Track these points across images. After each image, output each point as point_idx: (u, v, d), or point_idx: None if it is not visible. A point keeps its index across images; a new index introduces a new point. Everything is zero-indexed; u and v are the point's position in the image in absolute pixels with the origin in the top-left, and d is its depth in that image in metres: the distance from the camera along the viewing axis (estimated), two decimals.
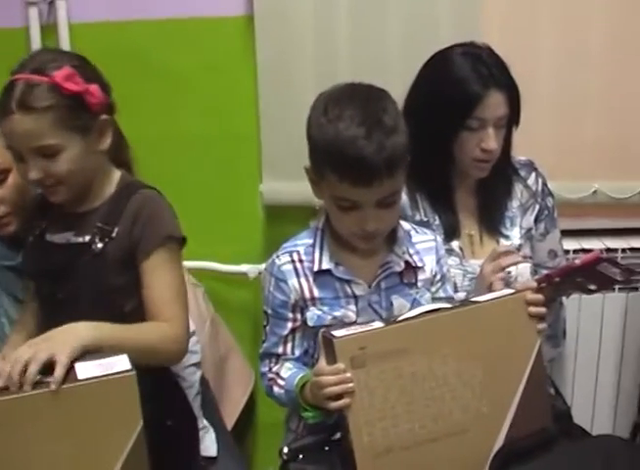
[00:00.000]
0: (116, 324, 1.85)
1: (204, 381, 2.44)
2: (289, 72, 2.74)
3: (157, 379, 1.78)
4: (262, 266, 2.79)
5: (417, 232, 2.13)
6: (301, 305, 2.03)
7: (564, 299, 2.41)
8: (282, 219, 2.90)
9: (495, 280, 2.10)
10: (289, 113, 2.72)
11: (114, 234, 1.97)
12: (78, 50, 2.67)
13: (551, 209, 2.45)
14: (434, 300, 2.07)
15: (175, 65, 2.82)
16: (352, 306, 2.01)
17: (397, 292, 2.04)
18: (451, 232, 2.32)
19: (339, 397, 1.70)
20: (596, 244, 2.91)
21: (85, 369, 1.64)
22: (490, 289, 2.07)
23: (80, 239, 1.99)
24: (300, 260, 2.03)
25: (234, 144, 2.89)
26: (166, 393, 2.08)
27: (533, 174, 2.43)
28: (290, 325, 2.05)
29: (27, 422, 1.58)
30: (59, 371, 1.62)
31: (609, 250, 2.88)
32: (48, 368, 1.63)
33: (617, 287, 2.85)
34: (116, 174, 2.07)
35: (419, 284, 2.07)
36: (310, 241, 2.06)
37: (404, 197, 2.18)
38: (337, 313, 2.00)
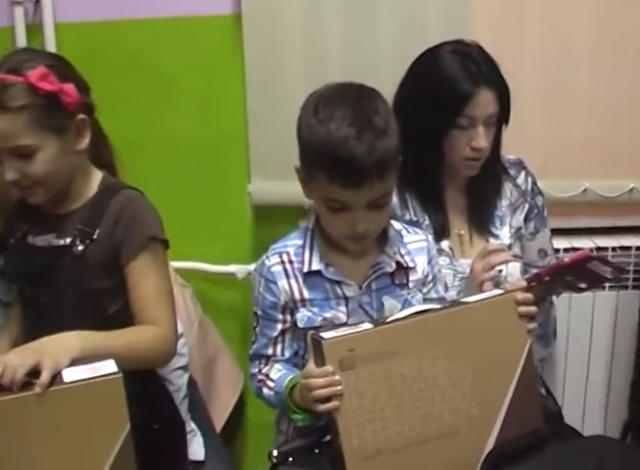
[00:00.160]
0: (105, 332, 1.84)
1: (192, 383, 2.43)
2: (277, 71, 2.73)
3: (142, 382, 1.76)
4: (251, 267, 2.82)
5: (408, 232, 2.12)
6: (291, 307, 2.01)
7: (554, 298, 2.41)
8: (271, 219, 2.89)
9: (486, 278, 2.09)
10: (277, 112, 2.71)
11: (95, 236, 1.96)
12: (64, 50, 2.68)
13: (541, 207, 2.44)
14: (426, 300, 2.06)
15: (162, 64, 2.81)
16: (343, 308, 2.00)
17: (388, 293, 2.03)
18: (441, 232, 2.31)
19: (327, 399, 1.68)
20: (586, 242, 2.90)
21: (72, 373, 1.64)
22: (481, 287, 2.06)
23: (61, 241, 1.98)
24: (290, 261, 2.02)
25: (222, 144, 2.87)
26: (152, 396, 2.06)
27: (523, 173, 2.42)
28: (279, 326, 2.03)
29: (14, 425, 1.57)
30: (45, 374, 1.60)
31: (599, 248, 2.88)
32: (35, 375, 1.62)
33: (607, 285, 2.84)
34: (98, 175, 2.06)
35: (410, 285, 2.06)
36: (300, 242, 2.04)
37: (394, 197, 2.17)
38: (327, 315, 1.99)
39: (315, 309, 1.99)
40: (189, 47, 2.80)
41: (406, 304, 2.02)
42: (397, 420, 1.72)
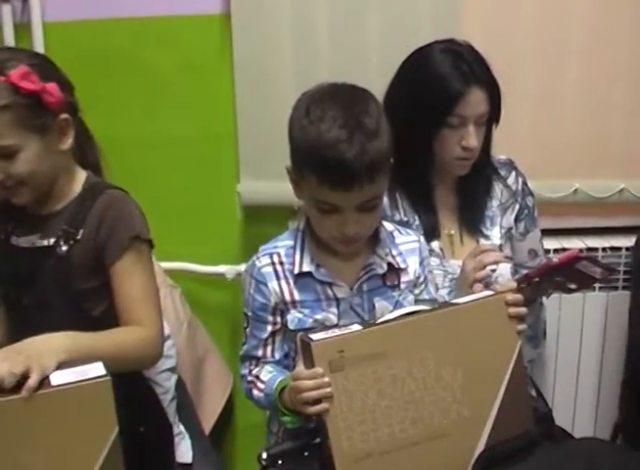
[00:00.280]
0: (91, 333, 1.83)
1: (180, 384, 2.42)
2: (266, 71, 2.72)
3: (127, 384, 1.74)
4: (240, 267, 2.82)
5: (400, 233, 2.10)
6: (282, 308, 2.00)
7: (544, 299, 2.41)
8: (260, 220, 2.88)
9: (478, 278, 2.09)
10: (266, 112, 2.70)
11: (79, 236, 1.95)
12: (52, 49, 2.67)
13: (531, 208, 2.44)
14: (418, 302, 2.05)
15: (151, 63, 2.79)
16: (334, 309, 1.99)
17: (380, 294, 2.02)
18: (431, 232, 2.30)
19: (317, 401, 1.67)
20: (577, 243, 2.91)
21: (59, 376, 1.62)
22: (472, 287, 2.06)
23: (45, 242, 1.97)
24: (281, 263, 2.00)
25: (211, 143, 2.86)
26: (138, 398, 2.05)
27: (513, 173, 2.42)
28: (270, 328, 2.02)
29: (0, 429, 1.55)
30: (33, 378, 1.59)
31: (589, 249, 2.89)
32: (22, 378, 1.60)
33: (597, 286, 2.85)
34: (82, 175, 2.04)
35: (402, 286, 2.04)
36: (291, 243, 2.02)
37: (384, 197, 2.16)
38: (318, 316, 1.97)
39: (306, 311, 1.98)
40: (178, 46, 2.78)
41: (397, 305, 2.01)
42: (387, 422, 1.71)
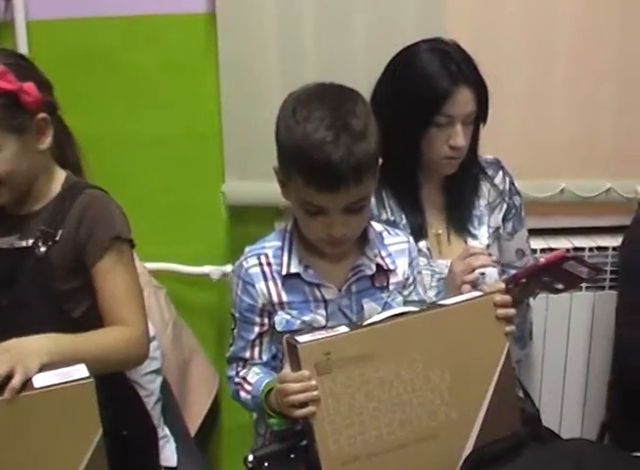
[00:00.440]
0: (74, 335, 1.82)
1: (166, 386, 2.42)
2: (252, 70, 2.70)
3: (111, 386, 1.73)
4: (225, 268, 2.82)
5: (390, 234, 2.09)
6: (269, 310, 1.99)
7: (531, 300, 2.40)
8: (245, 220, 2.88)
9: (467, 280, 2.08)
10: (252, 111, 2.69)
11: (57, 237, 1.93)
12: (36, 48, 2.66)
13: (518, 207, 2.44)
14: (407, 303, 2.04)
15: (136, 63, 2.78)
16: (322, 311, 1.97)
17: (368, 295, 2.01)
18: (418, 231, 2.29)
19: (303, 404, 1.66)
20: (563, 243, 2.91)
21: (42, 378, 1.61)
22: (460, 289, 2.05)
23: (24, 243, 1.95)
24: (269, 263, 1.99)
25: (196, 143, 2.85)
26: (121, 400, 2.04)
27: (500, 173, 2.42)
28: (257, 329, 2.01)
29: None
30: (16, 380, 1.57)
31: (576, 249, 2.89)
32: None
33: (584, 286, 2.85)
34: (61, 175, 2.03)
35: (390, 287, 2.03)
36: (279, 243, 2.01)
37: None
38: (306, 318, 1.96)
39: (294, 312, 1.97)
40: (162, 45, 2.77)
41: (386, 306, 2.00)
42: (375, 425, 1.70)
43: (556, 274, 1.99)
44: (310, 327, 1.93)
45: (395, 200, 2.31)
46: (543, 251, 2.83)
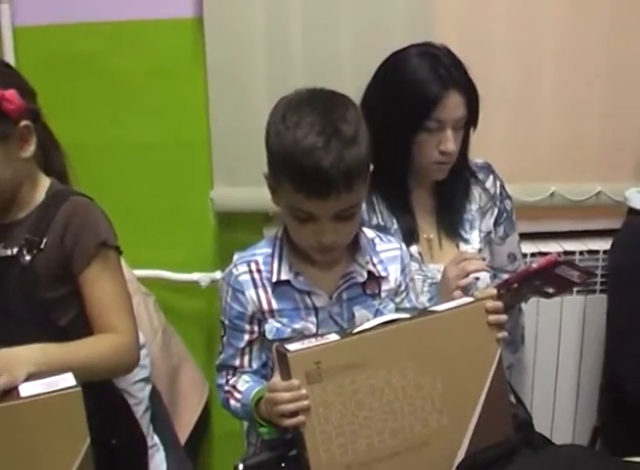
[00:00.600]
0: (62, 345, 1.81)
1: (155, 394, 2.41)
2: (240, 76, 2.70)
3: (99, 395, 1.72)
4: (214, 274, 2.81)
5: (382, 240, 2.07)
6: (259, 317, 1.97)
7: (522, 304, 2.39)
8: (234, 226, 2.87)
9: (461, 285, 2.08)
10: (240, 117, 2.68)
11: (42, 245, 1.92)
12: (22, 54, 2.66)
13: (510, 211, 2.43)
14: (399, 310, 2.02)
15: (123, 69, 2.77)
16: (313, 318, 1.96)
17: (360, 303, 1.99)
18: (410, 236, 2.29)
19: (293, 414, 1.64)
20: (554, 247, 2.91)
21: (29, 388, 1.60)
22: (452, 295, 2.05)
23: (8, 251, 1.94)
24: (259, 270, 1.97)
25: (184, 149, 2.84)
26: (110, 409, 2.03)
27: (491, 177, 2.41)
28: (247, 337, 1.99)
29: None
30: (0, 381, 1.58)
31: (566, 252, 2.88)
32: None
33: (574, 290, 2.85)
34: (46, 182, 2.01)
35: (382, 294, 2.02)
36: (269, 250, 1.99)
37: None
38: (296, 326, 1.94)
39: (284, 320, 1.95)
40: (149, 51, 2.76)
41: (378, 314, 1.98)
42: (366, 433, 1.68)
43: (548, 279, 1.99)
44: (301, 335, 1.91)
45: (386, 204, 2.31)
46: (534, 255, 2.83)
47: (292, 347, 1.65)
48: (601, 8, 2.75)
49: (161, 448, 2.27)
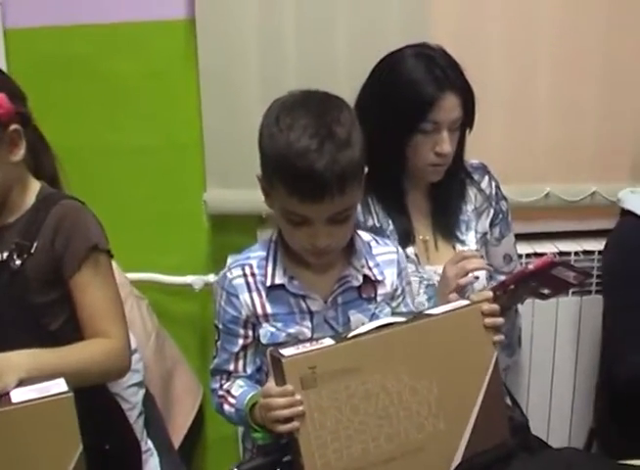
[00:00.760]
0: (53, 349, 1.80)
1: (149, 398, 2.41)
2: (232, 77, 2.69)
3: (91, 400, 1.71)
4: (208, 277, 2.80)
5: (378, 243, 2.06)
6: (253, 322, 1.95)
7: (519, 306, 2.38)
8: (227, 228, 2.87)
9: (461, 284, 2.07)
10: (232, 119, 2.68)
11: (33, 250, 1.91)
12: (14, 56, 2.66)
13: (505, 212, 2.43)
14: (395, 315, 1.99)
15: (115, 71, 2.76)
16: (308, 323, 1.94)
17: (355, 307, 1.97)
18: (406, 237, 2.28)
19: (288, 419, 1.63)
20: (549, 247, 2.91)
21: (20, 393, 1.58)
22: (454, 293, 2.04)
23: None
24: (253, 274, 1.95)
25: (176, 151, 2.84)
26: (103, 414, 2.02)
27: (487, 178, 2.40)
28: (241, 342, 1.97)
29: None
30: None
31: (561, 253, 2.88)
32: None
33: (570, 290, 2.83)
34: (36, 186, 2.00)
35: (378, 298, 2.00)
36: (263, 254, 1.97)
37: None
38: (291, 330, 1.93)
39: (279, 325, 1.93)
40: (141, 53, 2.75)
41: (374, 318, 1.95)
42: (361, 438, 1.66)
43: (544, 280, 1.98)
44: (295, 339, 1.89)
45: (382, 205, 2.30)
46: (529, 256, 2.83)
47: (286, 352, 1.63)
48: (596, 9, 2.76)
49: (155, 453, 2.26)
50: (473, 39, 2.72)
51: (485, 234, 2.37)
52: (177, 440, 2.71)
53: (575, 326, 2.93)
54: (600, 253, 2.85)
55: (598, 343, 2.83)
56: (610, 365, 2.56)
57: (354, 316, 1.96)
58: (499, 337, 1.82)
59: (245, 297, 1.94)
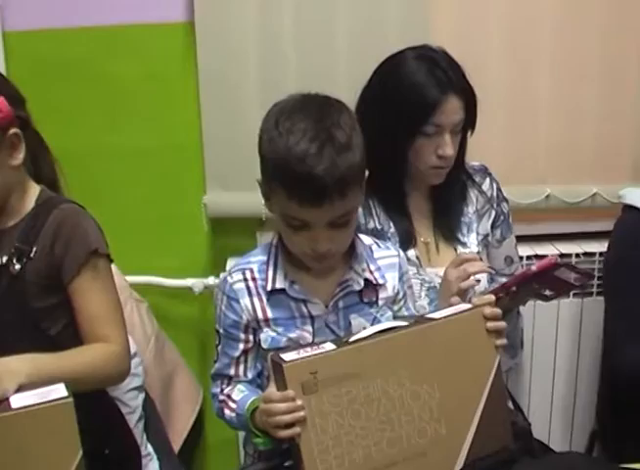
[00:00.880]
0: (52, 354, 1.79)
1: (149, 402, 2.40)
2: (232, 80, 2.68)
3: (91, 405, 1.71)
4: (208, 280, 2.80)
5: (379, 247, 2.05)
6: (254, 326, 1.94)
7: (520, 307, 2.37)
8: (227, 231, 2.86)
9: (463, 287, 2.06)
10: (232, 121, 2.67)
11: (32, 254, 1.90)
12: (13, 59, 2.65)
13: (506, 214, 2.42)
14: (397, 319, 1.99)
15: (114, 73, 2.76)
16: (309, 327, 1.93)
17: (356, 311, 1.96)
18: (407, 239, 2.27)
19: (289, 425, 1.62)
20: (549, 249, 2.91)
21: (20, 399, 1.57)
22: (459, 296, 2.04)
23: None
24: (253, 279, 1.94)
25: (176, 154, 2.83)
26: (103, 419, 2.02)
27: (488, 179, 2.40)
28: (241, 346, 1.96)
29: None
30: None
31: (562, 255, 2.89)
32: None
33: (571, 292, 2.82)
34: (35, 190, 2.00)
35: (380, 302, 1.99)
36: (264, 258, 1.96)
37: None
38: (292, 335, 1.92)
39: (280, 329, 1.92)
40: (141, 55, 2.75)
41: (375, 322, 1.95)
42: (363, 443, 1.66)
43: (546, 281, 1.97)
44: (296, 344, 1.88)
45: (383, 208, 2.29)
46: (529, 258, 2.83)
47: (287, 357, 1.62)
48: (596, 10, 2.76)
49: (155, 458, 2.26)
50: (473, 40, 2.72)
51: (487, 236, 2.37)
52: (177, 444, 2.70)
53: (576, 328, 2.93)
54: (601, 254, 2.85)
55: (599, 345, 2.83)
56: (611, 361, 2.56)
57: (355, 321, 1.95)
58: (501, 341, 1.82)
59: (245, 301, 1.93)
